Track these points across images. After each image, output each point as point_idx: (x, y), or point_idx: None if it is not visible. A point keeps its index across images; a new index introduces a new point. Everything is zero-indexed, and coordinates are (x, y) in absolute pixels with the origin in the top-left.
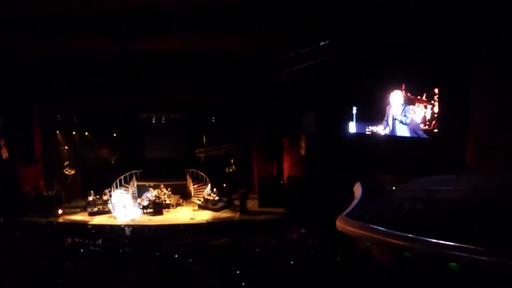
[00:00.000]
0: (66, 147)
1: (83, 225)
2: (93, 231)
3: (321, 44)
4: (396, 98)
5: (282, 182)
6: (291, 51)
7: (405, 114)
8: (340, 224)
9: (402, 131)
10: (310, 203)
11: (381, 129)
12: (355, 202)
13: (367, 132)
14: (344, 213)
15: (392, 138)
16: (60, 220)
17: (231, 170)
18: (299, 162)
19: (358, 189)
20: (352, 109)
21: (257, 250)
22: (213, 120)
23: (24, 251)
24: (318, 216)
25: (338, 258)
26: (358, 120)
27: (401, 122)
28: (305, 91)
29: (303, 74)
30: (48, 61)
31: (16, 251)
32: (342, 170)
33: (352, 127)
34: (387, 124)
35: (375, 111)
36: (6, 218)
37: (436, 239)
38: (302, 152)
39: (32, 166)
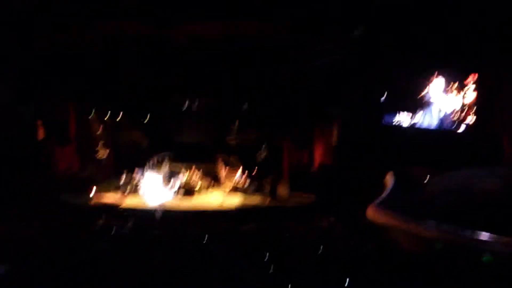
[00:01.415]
0: (100, 129)
1: (114, 206)
2: (124, 213)
3: (355, 33)
4: (429, 87)
5: (313, 169)
6: (324, 43)
7: (438, 104)
8: (371, 213)
9: (436, 122)
10: (340, 192)
11: (413, 120)
12: (386, 192)
13: (398, 123)
14: (375, 203)
15: (425, 129)
16: (93, 201)
17: (262, 156)
18: (330, 151)
19: (389, 180)
20: (383, 99)
21: (286, 235)
22: (246, 106)
23: (56, 229)
24: (348, 204)
25: (367, 248)
26: (389, 110)
27: (434, 112)
28: (338, 80)
29: (336, 62)
30: (83, 44)
31: (48, 229)
32: (373, 160)
33: (384, 118)
34: (421, 115)
35: (407, 101)
36: (41, 197)
37: (470, 231)
38: (334, 140)
39: (66, 147)
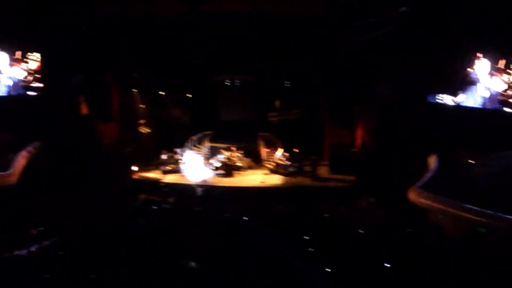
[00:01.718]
0: (142, 106)
1: (155, 182)
2: (165, 189)
3: (399, 10)
4: (476, 66)
5: (354, 150)
6: (368, 16)
7: (485, 84)
8: (412, 195)
9: (481, 102)
10: (381, 173)
11: (459, 99)
12: (429, 174)
13: (442, 103)
14: (418, 185)
15: (470, 109)
16: (134, 176)
17: (303, 135)
18: (372, 131)
19: (433, 161)
20: (426, 78)
21: (326, 216)
22: (286, 85)
23: (100, 203)
24: (389, 186)
25: (408, 230)
26: (434, 90)
27: (480, 92)
28: (381, 59)
29: (379, 41)
30: (123, 21)
31: (92, 203)
32: (416, 141)
33: (428, 97)
34: (467, 95)
35: (452, 81)
36: (84, 172)
37: None
38: (376, 120)
39: (109, 123)
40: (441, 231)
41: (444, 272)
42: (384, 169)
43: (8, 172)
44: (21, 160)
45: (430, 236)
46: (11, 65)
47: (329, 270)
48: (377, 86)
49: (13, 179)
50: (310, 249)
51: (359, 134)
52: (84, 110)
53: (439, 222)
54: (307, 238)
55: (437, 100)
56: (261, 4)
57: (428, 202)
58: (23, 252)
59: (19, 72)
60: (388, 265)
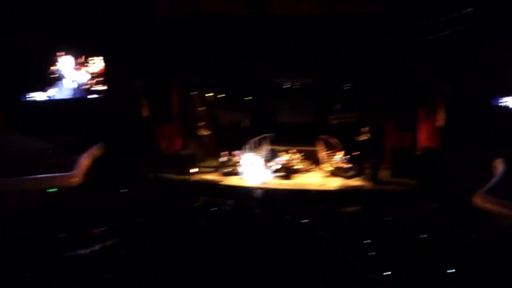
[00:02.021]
0: (202, 108)
1: (215, 184)
2: (224, 191)
3: (464, 11)
4: None
5: (416, 153)
6: (432, 17)
7: None
8: (478, 200)
9: None
10: (445, 177)
11: None
12: (496, 178)
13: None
14: (484, 189)
15: None
16: (194, 178)
17: (363, 138)
18: (436, 133)
19: (499, 166)
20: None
21: (388, 219)
22: (347, 87)
23: (160, 204)
24: (453, 190)
25: (473, 235)
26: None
27: None
28: (445, 59)
29: (443, 42)
30: (184, 23)
31: (152, 204)
32: (481, 144)
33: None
34: None
35: None
36: (145, 173)
37: None
38: (440, 123)
39: (169, 125)
40: (508, 237)
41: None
42: (447, 173)
43: (72, 173)
44: (84, 161)
45: (496, 242)
46: (75, 68)
47: (389, 273)
48: (441, 87)
49: (77, 179)
50: (370, 253)
51: (422, 137)
52: (146, 112)
53: (505, 228)
54: (368, 241)
55: (501, 103)
56: (326, 4)
57: (494, 207)
58: (86, 251)
59: (83, 75)
60: (451, 271)
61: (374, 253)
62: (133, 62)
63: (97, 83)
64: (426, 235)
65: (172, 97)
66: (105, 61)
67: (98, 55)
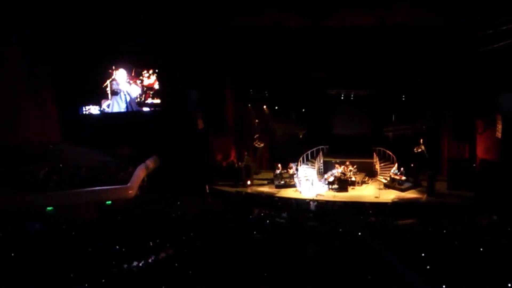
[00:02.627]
0: (257, 120)
1: (270, 197)
2: (279, 204)
3: None
4: None
5: (474, 165)
6: (490, 28)
7: None
8: None
9: None
10: (503, 190)
11: None
12: None
13: None
14: None
15: None
16: (249, 190)
17: (419, 150)
18: (494, 145)
19: None
20: None
21: (444, 232)
22: (403, 98)
23: (215, 217)
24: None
25: None
26: None
27: None
28: (504, 70)
29: (502, 52)
30: (241, 34)
31: (207, 216)
32: None
33: None
34: None
35: None
36: (200, 185)
37: None
38: (498, 135)
39: (224, 137)
40: None
41: None
42: (506, 186)
43: (127, 185)
44: (139, 174)
45: None
46: (128, 82)
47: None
48: (501, 100)
49: (132, 192)
50: (427, 266)
51: (480, 149)
52: (201, 125)
53: None
54: (424, 254)
55: None
56: (381, 15)
57: None
58: (141, 263)
59: (135, 89)
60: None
61: (431, 266)
62: (188, 75)
63: (151, 96)
64: (484, 249)
65: (227, 110)
66: (159, 74)
67: (152, 68)
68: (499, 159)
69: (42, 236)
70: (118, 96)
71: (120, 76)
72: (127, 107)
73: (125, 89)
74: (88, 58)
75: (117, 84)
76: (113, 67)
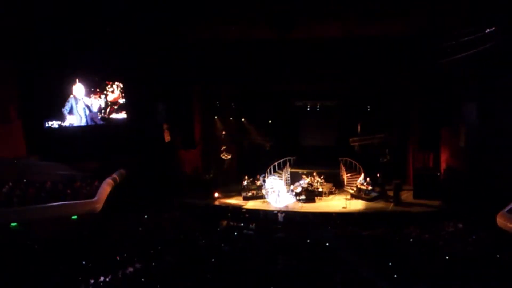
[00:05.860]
0: (224, 133)
1: (237, 208)
2: (247, 215)
3: (486, 31)
4: None
5: (438, 174)
6: (453, 38)
7: None
8: (501, 220)
9: None
10: (468, 197)
11: None
12: None
13: None
14: (507, 209)
15: None
16: (216, 203)
17: (385, 160)
18: (458, 154)
19: None
20: None
21: (411, 241)
22: (368, 109)
23: (183, 230)
24: (477, 211)
25: (497, 256)
26: None
27: None
28: (467, 80)
29: (465, 62)
30: (208, 46)
31: (175, 230)
32: (505, 163)
33: None
34: None
35: None
36: (167, 198)
37: None
38: (462, 143)
39: (191, 150)
40: None
41: None
42: (471, 194)
43: (93, 199)
44: (106, 188)
45: None
46: (87, 96)
47: None
48: (464, 109)
49: (99, 206)
50: (395, 275)
51: (445, 158)
52: (167, 137)
53: None
54: (391, 263)
55: None
56: (348, 27)
57: None
58: (108, 278)
59: (96, 103)
60: None
61: (398, 275)
62: (154, 88)
63: (115, 110)
64: (450, 257)
65: (194, 122)
66: (125, 86)
67: (118, 81)
68: (463, 167)
69: (6, 252)
70: (76, 110)
71: (78, 90)
72: (87, 121)
73: (84, 103)
74: (52, 71)
75: (76, 99)
76: (76, 81)
